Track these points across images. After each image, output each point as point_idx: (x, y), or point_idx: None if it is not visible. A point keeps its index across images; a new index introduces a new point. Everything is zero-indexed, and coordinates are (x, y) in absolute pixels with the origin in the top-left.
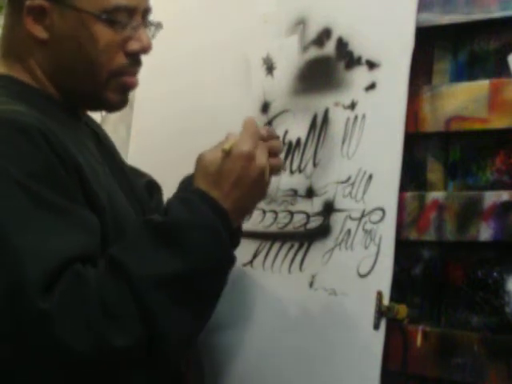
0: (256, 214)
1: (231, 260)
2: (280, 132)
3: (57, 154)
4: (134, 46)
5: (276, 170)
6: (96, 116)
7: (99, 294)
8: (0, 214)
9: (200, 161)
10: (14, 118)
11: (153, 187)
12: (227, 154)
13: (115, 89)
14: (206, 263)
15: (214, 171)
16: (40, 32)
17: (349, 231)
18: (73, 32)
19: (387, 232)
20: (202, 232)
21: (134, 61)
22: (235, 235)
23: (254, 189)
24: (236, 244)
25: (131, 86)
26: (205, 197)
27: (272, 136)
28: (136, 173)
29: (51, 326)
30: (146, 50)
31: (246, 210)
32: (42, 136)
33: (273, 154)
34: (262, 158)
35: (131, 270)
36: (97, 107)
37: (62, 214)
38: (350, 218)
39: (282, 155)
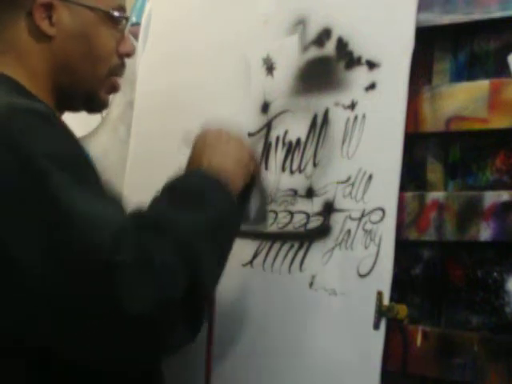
0: None
1: (241, 212)
2: (280, 132)
3: (76, 141)
4: (125, 47)
5: None
6: (96, 116)
7: (157, 249)
8: (53, 190)
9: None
10: (35, 107)
11: None
12: None
13: (107, 88)
14: (226, 215)
15: (192, 156)
16: (47, 28)
17: (349, 231)
18: (81, 29)
19: (387, 232)
20: (217, 189)
21: (122, 63)
22: None
23: (230, 150)
24: None
25: (118, 88)
26: (203, 169)
27: None
28: None
29: (126, 278)
30: (133, 53)
31: (229, 174)
32: (63, 125)
33: None
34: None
35: (172, 227)
36: (85, 106)
37: (99, 192)
38: (350, 218)
39: (282, 155)
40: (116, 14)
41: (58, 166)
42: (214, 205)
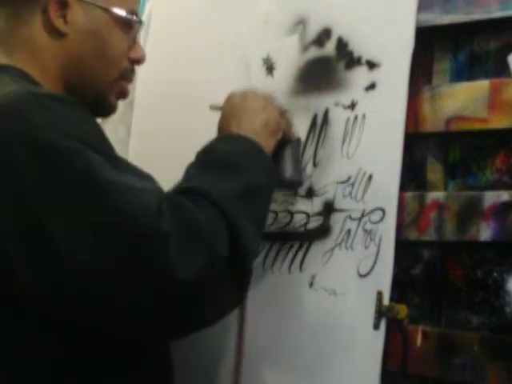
0: None
1: (274, 172)
2: None
3: (98, 125)
4: (136, 53)
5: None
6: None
7: (197, 215)
8: (88, 167)
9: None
10: (56, 93)
11: None
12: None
13: (116, 93)
14: (261, 179)
15: (222, 121)
16: (62, 26)
17: (349, 231)
18: (94, 29)
19: (387, 232)
20: (249, 153)
21: (132, 68)
22: None
23: (258, 110)
24: None
25: (127, 93)
26: (232, 134)
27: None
28: None
29: (172, 245)
30: (143, 60)
31: (260, 134)
32: (84, 109)
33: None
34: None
35: (209, 191)
36: (94, 110)
37: (130, 167)
38: (350, 218)
39: None
40: (129, 17)
41: (86, 145)
42: (247, 168)
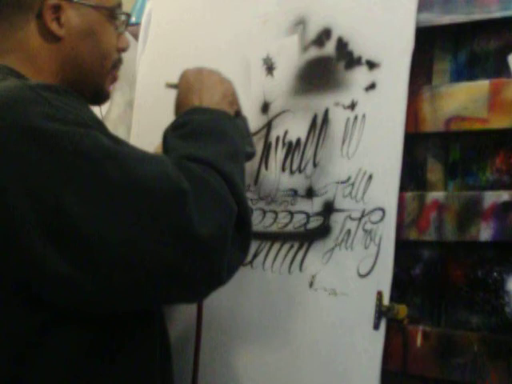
0: (256, 214)
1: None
2: (280, 132)
3: (93, 112)
4: (123, 43)
5: None
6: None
7: (206, 175)
8: (101, 144)
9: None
10: (49, 83)
11: None
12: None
13: (109, 82)
14: (238, 141)
15: (180, 98)
16: (57, 29)
17: (349, 231)
18: (88, 28)
19: (387, 232)
20: (222, 119)
21: (120, 57)
22: None
23: (214, 85)
24: None
25: (116, 79)
26: (197, 106)
27: None
28: None
29: (194, 203)
30: (128, 48)
31: (220, 106)
32: (78, 97)
33: None
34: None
35: (205, 156)
36: (91, 100)
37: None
38: (350, 218)
39: (282, 155)
40: (118, 11)
41: (88, 128)
42: (224, 133)
